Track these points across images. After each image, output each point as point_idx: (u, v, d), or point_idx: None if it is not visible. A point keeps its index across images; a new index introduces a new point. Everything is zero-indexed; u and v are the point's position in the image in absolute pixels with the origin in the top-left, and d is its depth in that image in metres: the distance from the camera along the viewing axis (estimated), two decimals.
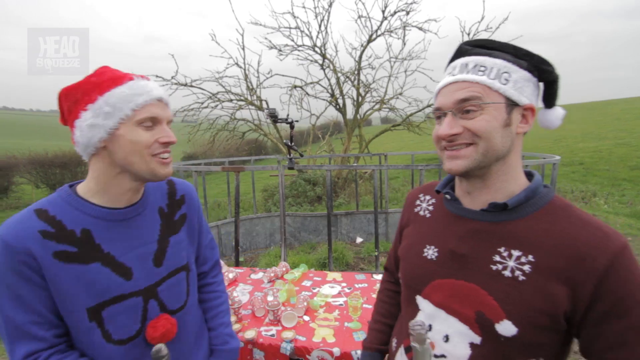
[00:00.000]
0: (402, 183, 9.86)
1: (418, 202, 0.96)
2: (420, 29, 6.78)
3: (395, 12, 6.64)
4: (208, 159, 7.25)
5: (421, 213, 0.92)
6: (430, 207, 0.91)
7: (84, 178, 0.90)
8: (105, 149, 0.82)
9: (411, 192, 1.02)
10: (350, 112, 7.85)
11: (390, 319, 1.05)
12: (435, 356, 0.78)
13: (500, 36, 7.51)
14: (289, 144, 2.53)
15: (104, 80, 0.81)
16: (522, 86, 0.73)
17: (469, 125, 0.72)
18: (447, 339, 0.77)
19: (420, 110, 8.10)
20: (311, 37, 6.88)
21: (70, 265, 0.78)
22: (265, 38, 6.78)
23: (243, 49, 6.60)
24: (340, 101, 7.45)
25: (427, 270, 0.83)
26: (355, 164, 4.25)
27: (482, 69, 0.73)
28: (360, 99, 7.52)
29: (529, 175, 0.80)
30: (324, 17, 6.59)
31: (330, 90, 7.32)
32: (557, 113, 0.80)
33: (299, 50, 7.02)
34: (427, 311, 0.81)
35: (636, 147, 11.51)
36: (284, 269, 2.52)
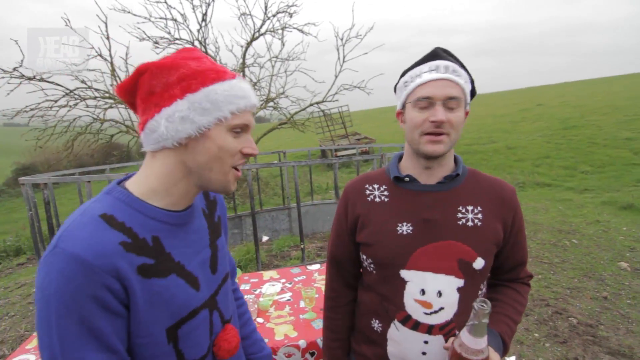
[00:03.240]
0: (288, 179, 10.17)
1: (368, 192, 1.03)
2: (301, 31, 7.11)
3: (277, 13, 6.78)
4: (53, 170, 6.03)
5: (377, 200, 1.01)
6: (385, 193, 1.01)
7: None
8: (184, 147, 0.71)
9: (352, 185, 1.07)
10: None
11: (341, 333, 1.14)
12: (435, 312, 0.92)
13: (368, 43, 8.48)
14: None
15: (206, 69, 0.70)
16: (468, 93, 0.95)
17: (451, 118, 0.88)
18: (440, 294, 0.92)
19: (303, 109, 8.50)
20: (190, 31, 6.42)
21: (151, 280, 0.67)
22: (138, 28, 5.94)
23: (107, 38, 5.68)
24: None
25: (405, 244, 0.94)
26: (275, 162, 4.20)
27: (458, 74, 0.90)
28: None
29: None
30: (205, 11, 6.24)
31: None
32: None
33: (176, 44, 6.46)
34: (415, 280, 0.93)
35: (461, 137, 14.67)
36: None
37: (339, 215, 1.11)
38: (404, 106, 0.97)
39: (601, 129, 11.62)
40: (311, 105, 8.26)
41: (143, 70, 0.70)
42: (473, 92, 0.99)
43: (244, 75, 7.30)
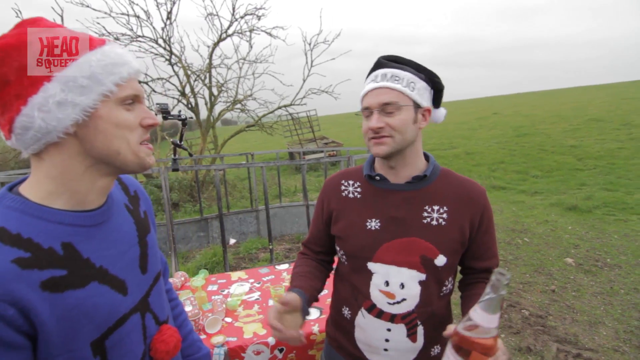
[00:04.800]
0: (257, 181, 10.06)
1: (343, 187, 1.09)
2: (269, 34, 7.12)
3: (245, 15, 6.75)
4: (3, 170, 5.63)
5: (350, 196, 1.07)
6: (359, 189, 1.07)
7: None
8: (74, 136, 0.61)
9: (330, 181, 1.14)
10: (203, 112, 7.51)
11: (313, 274, 1.12)
12: (397, 302, 0.98)
13: (336, 49, 8.62)
14: (178, 143, 2.32)
15: (66, 39, 0.58)
16: (422, 93, 0.97)
17: (389, 122, 0.93)
18: (402, 286, 0.97)
19: (271, 112, 8.48)
20: (154, 29, 6.23)
21: (65, 293, 0.59)
22: (98, 23, 5.68)
23: None
24: (192, 100, 7.02)
25: (373, 239, 1.00)
26: (243, 163, 4.10)
27: (397, 79, 0.94)
28: (213, 98, 7.29)
29: (424, 154, 1.07)
30: (170, 8, 6.08)
31: (180, 88, 6.80)
32: (442, 112, 1.07)
33: (138, 41, 6.24)
34: (381, 272, 0.99)
35: (424, 142, 15.23)
36: (182, 278, 2.33)
37: (317, 207, 1.17)
38: None
39: (549, 137, 12.54)
40: (279, 108, 8.26)
41: None
42: (439, 89, 1.02)
43: (210, 76, 7.17)
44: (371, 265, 1.00)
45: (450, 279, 1.03)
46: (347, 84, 8.93)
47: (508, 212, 6.24)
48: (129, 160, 0.66)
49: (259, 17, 6.79)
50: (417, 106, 0.96)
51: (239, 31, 7.00)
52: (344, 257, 1.08)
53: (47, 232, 0.60)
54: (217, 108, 7.91)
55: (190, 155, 2.59)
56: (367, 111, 0.96)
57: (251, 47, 7.60)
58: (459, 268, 1.11)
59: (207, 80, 7.15)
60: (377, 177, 1.04)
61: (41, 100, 0.57)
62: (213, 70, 7.27)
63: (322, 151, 10.82)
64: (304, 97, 8.25)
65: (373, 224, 1.01)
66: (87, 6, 5.72)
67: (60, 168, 0.62)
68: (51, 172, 0.62)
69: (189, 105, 7.09)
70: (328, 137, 16.72)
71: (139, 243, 0.77)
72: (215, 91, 7.50)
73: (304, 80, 8.05)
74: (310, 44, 7.72)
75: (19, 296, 0.53)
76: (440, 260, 0.96)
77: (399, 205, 1.00)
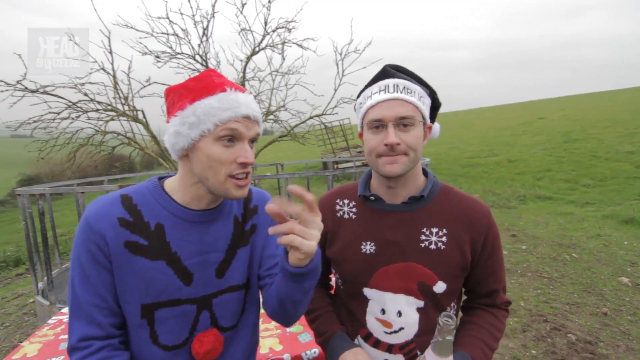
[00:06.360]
0: (287, 192, 10.17)
1: (338, 207, 1.03)
2: (300, 46, 7.22)
3: (277, 28, 6.91)
4: (56, 181, 6.10)
5: (345, 216, 1.01)
6: (354, 210, 1.00)
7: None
8: (187, 157, 0.81)
9: (324, 200, 1.07)
10: None
11: (330, 306, 1.09)
12: (395, 331, 0.92)
13: (367, 58, 8.59)
14: None
15: (199, 87, 0.78)
16: (427, 108, 0.91)
17: (405, 138, 0.86)
18: (400, 314, 0.91)
19: (303, 122, 8.56)
20: (191, 46, 6.54)
21: (137, 257, 0.77)
22: (140, 42, 6.07)
23: (110, 52, 5.79)
24: None
25: (368, 263, 0.94)
26: (269, 174, 4.16)
27: (409, 91, 0.87)
28: None
29: (423, 171, 1.00)
30: (206, 26, 6.37)
31: None
32: (437, 127, 1.00)
33: (177, 58, 6.58)
34: (376, 298, 0.93)
35: (463, 149, 14.68)
36: None
37: None
38: (362, 127, 0.96)
39: (603, 142, 11.59)
40: (311, 118, 8.32)
41: (165, 95, 0.83)
42: (437, 106, 0.96)
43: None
44: (367, 292, 0.94)
45: (452, 304, 0.96)
46: None
47: (554, 224, 5.80)
48: (216, 187, 0.80)
49: (290, 30, 6.92)
50: (424, 122, 0.90)
51: (271, 44, 7.16)
52: (339, 280, 1.03)
53: (153, 211, 0.81)
54: None
55: None
56: (379, 124, 0.87)
57: (283, 59, 7.75)
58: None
59: None
60: (372, 198, 0.97)
61: (169, 127, 0.79)
62: (247, 83, 7.49)
63: (351, 160, 10.78)
64: (335, 106, 8.25)
65: (368, 247, 0.94)
66: (132, 27, 6.13)
67: (181, 174, 0.84)
68: (179, 174, 0.85)
69: None
70: (361, 145, 16.64)
71: (226, 251, 0.88)
72: None
73: (335, 90, 8.05)
74: (341, 54, 7.73)
75: (108, 240, 0.76)
76: (440, 287, 0.89)
77: (394, 228, 0.93)
